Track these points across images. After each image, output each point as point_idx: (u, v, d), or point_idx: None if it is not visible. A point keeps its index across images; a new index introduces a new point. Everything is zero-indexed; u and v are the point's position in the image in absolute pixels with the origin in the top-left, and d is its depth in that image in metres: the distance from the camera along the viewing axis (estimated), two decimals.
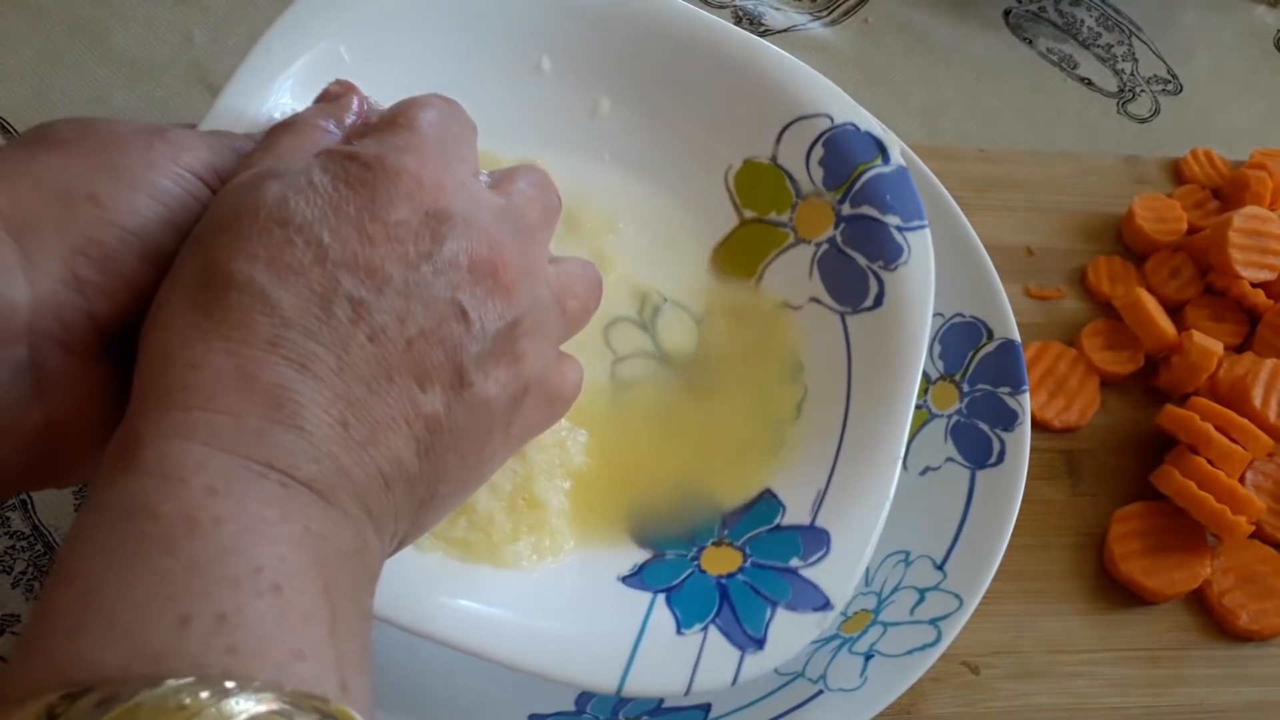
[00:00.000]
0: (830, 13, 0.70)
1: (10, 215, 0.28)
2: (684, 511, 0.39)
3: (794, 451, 0.40)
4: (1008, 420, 0.46)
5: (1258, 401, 0.53)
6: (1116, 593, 0.52)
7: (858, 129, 0.43)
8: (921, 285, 0.41)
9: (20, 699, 0.20)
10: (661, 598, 0.36)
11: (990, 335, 0.48)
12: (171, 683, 0.20)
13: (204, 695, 0.20)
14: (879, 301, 0.41)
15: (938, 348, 0.48)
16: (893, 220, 0.41)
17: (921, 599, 0.43)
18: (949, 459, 0.46)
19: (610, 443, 0.40)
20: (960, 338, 0.48)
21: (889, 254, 0.41)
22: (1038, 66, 0.71)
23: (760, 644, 0.34)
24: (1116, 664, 0.50)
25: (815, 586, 0.35)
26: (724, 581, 0.36)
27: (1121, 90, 0.71)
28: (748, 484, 0.40)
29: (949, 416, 0.47)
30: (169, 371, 0.26)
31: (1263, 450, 0.52)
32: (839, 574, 0.36)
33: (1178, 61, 0.73)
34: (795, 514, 0.38)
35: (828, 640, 0.43)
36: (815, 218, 0.43)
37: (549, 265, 0.33)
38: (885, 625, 0.43)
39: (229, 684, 0.21)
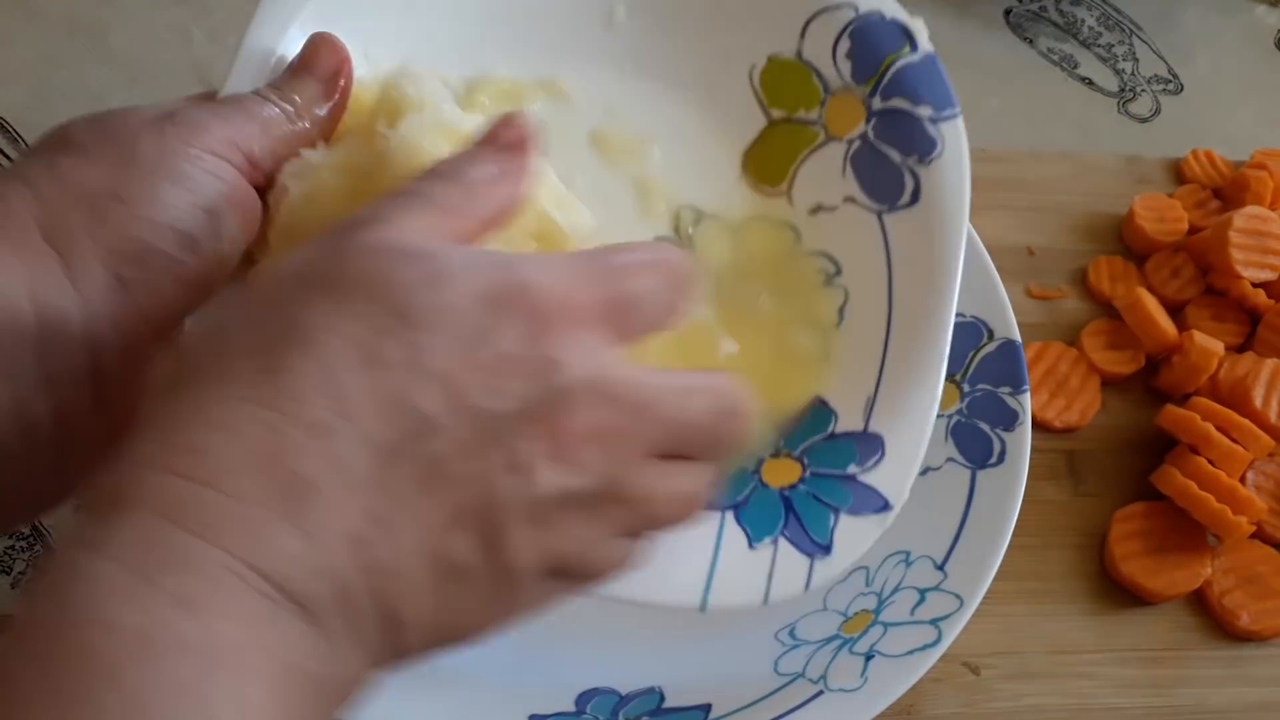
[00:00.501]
0: None
1: (46, 225, 0.28)
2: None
3: (840, 356, 0.40)
4: (1008, 420, 0.46)
5: (1258, 402, 0.53)
6: (1117, 593, 0.52)
7: (884, 17, 0.42)
8: (957, 178, 0.40)
9: None
10: (730, 515, 0.36)
11: (991, 335, 0.48)
12: None
13: None
14: (915, 198, 0.40)
15: None
16: (925, 112, 0.41)
17: (922, 599, 0.43)
18: (949, 459, 0.46)
19: (656, 358, 0.39)
20: (961, 338, 0.48)
21: (923, 147, 0.40)
22: (1038, 66, 0.71)
23: (827, 550, 0.35)
24: (1117, 664, 0.50)
25: (874, 490, 0.36)
26: (787, 493, 0.37)
27: (1122, 90, 0.71)
28: (797, 392, 0.40)
29: (950, 416, 0.47)
30: (190, 424, 0.23)
31: (1263, 450, 0.52)
32: (895, 476, 0.36)
33: (1178, 61, 0.73)
34: (848, 420, 0.39)
35: (828, 640, 0.43)
36: (846, 113, 0.42)
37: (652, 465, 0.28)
38: (886, 625, 0.43)
39: None
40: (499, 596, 0.26)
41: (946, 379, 0.47)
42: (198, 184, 0.29)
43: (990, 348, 0.48)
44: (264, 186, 0.32)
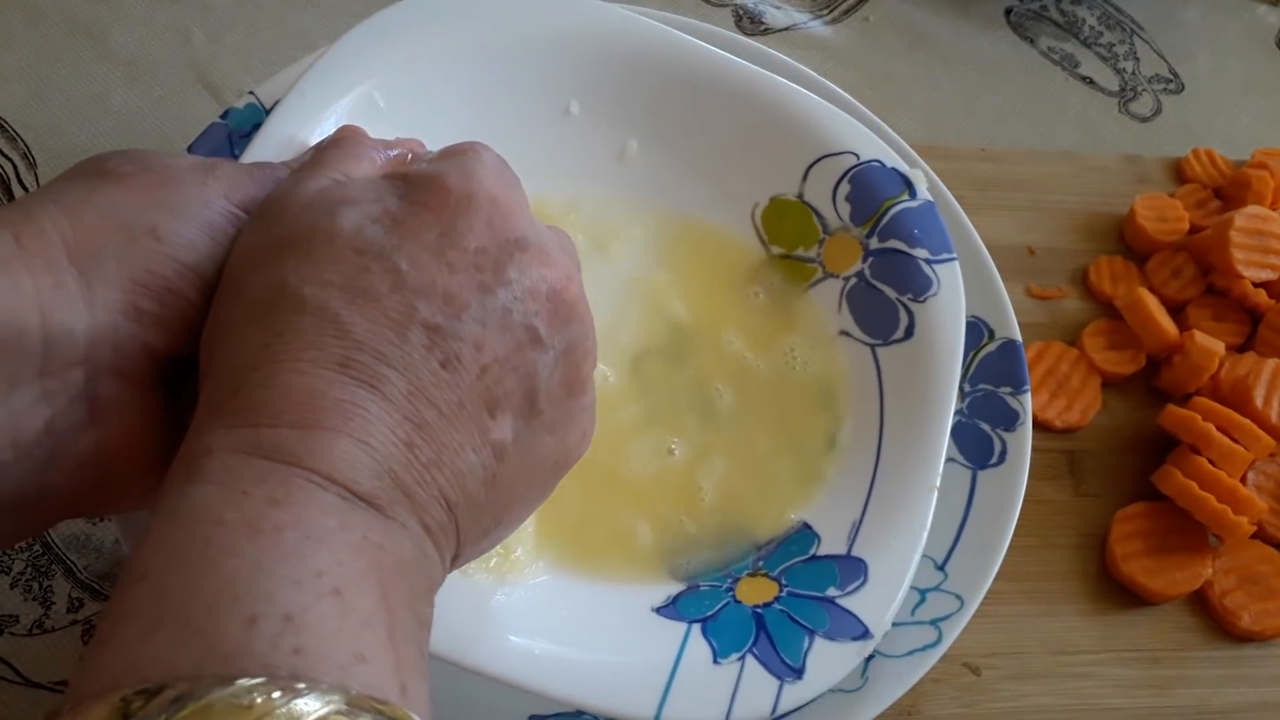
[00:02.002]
0: (831, 11, 0.69)
1: (74, 246, 0.28)
2: (718, 543, 0.40)
3: (828, 483, 0.41)
4: (1009, 420, 0.46)
5: (1259, 402, 0.53)
6: (1118, 593, 0.52)
7: (884, 165, 0.44)
8: (952, 316, 0.41)
9: (97, 694, 0.21)
10: (697, 628, 0.36)
11: (992, 335, 0.47)
12: (243, 682, 0.20)
13: (275, 695, 0.20)
14: (909, 333, 0.42)
15: None
16: (921, 253, 0.42)
17: (922, 600, 0.43)
18: (950, 459, 0.46)
19: (641, 477, 0.40)
20: None
21: (918, 286, 0.42)
22: (1039, 65, 0.71)
23: (799, 673, 0.34)
24: (1118, 665, 0.50)
25: (854, 615, 0.36)
26: (760, 611, 0.36)
27: (1123, 89, 0.71)
28: (782, 515, 0.40)
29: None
30: (239, 392, 0.26)
31: (1264, 450, 0.52)
32: (877, 603, 0.36)
33: (1179, 60, 0.73)
34: (831, 544, 0.38)
35: None
36: (843, 252, 0.44)
37: None
38: None
39: (299, 685, 0.21)
40: (552, 463, 0.30)
41: None
42: (225, 236, 0.31)
43: (991, 348, 0.47)
44: None
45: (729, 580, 0.38)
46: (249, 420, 0.25)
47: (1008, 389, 0.47)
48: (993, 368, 0.47)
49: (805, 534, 0.39)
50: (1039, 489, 0.53)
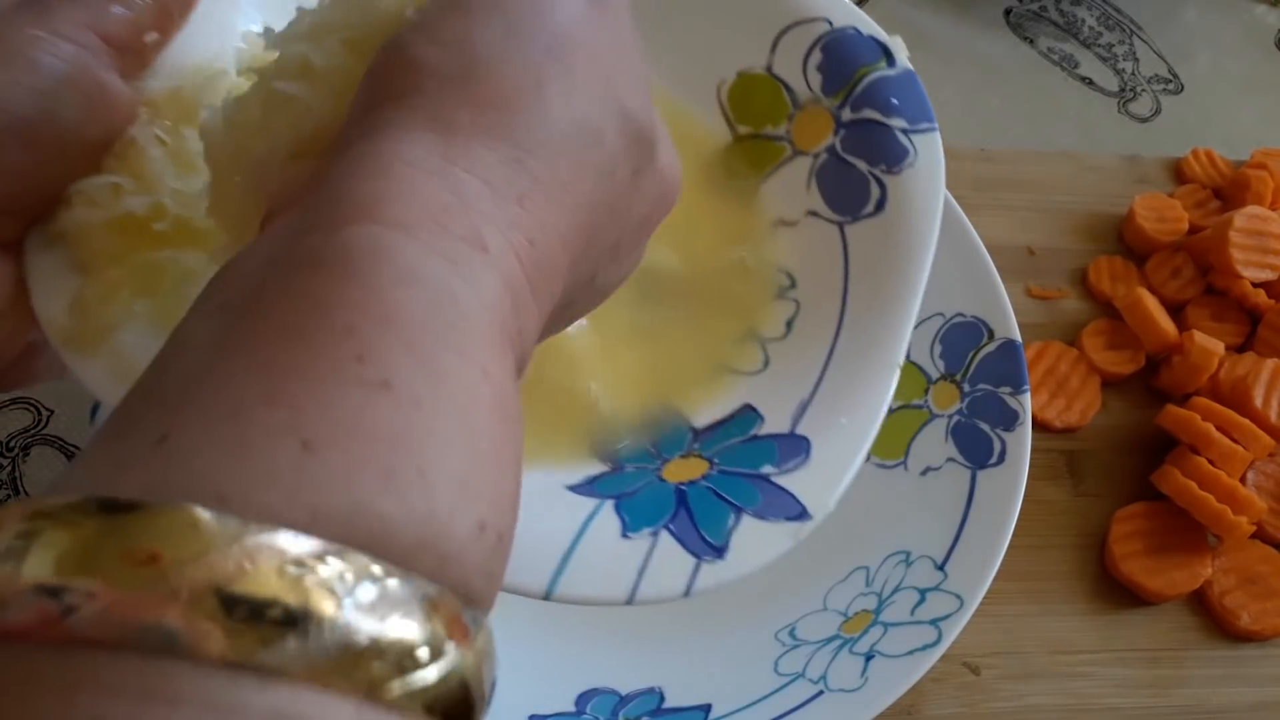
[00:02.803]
0: None
1: None
2: (650, 426, 0.36)
3: (781, 367, 0.37)
4: (1009, 420, 0.46)
5: (1259, 401, 0.53)
6: (1117, 593, 0.52)
7: (859, 33, 0.40)
8: (929, 187, 0.38)
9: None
10: (610, 503, 0.32)
11: (991, 335, 0.48)
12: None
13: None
14: (880, 207, 0.38)
15: (938, 348, 0.48)
16: (898, 123, 0.39)
17: (922, 599, 0.43)
18: (950, 459, 0.46)
19: (581, 357, 0.37)
20: (961, 338, 0.48)
21: (892, 157, 0.38)
22: (1039, 66, 0.71)
23: (720, 552, 0.31)
24: (1117, 664, 0.50)
25: (790, 494, 0.32)
26: (684, 488, 0.33)
27: (1122, 90, 0.71)
28: (726, 400, 0.36)
29: (950, 417, 0.47)
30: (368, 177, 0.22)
31: (1264, 450, 0.52)
32: (819, 484, 0.32)
33: (1179, 61, 0.73)
34: (774, 424, 0.35)
35: (828, 641, 0.43)
36: (813, 126, 0.40)
37: None
38: (886, 626, 0.43)
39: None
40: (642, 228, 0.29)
41: (947, 378, 0.48)
42: (34, 66, 0.28)
43: (990, 348, 0.48)
44: (130, 67, 0.31)
45: (659, 463, 0.34)
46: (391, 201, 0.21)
47: (1007, 389, 0.47)
48: (992, 368, 0.47)
49: (748, 415, 0.36)
50: (1038, 489, 0.53)
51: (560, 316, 0.27)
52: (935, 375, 0.48)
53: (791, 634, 0.44)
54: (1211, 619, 0.52)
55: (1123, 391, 0.57)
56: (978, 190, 0.61)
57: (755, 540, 0.31)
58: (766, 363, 0.37)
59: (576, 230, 0.25)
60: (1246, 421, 0.51)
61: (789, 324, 0.38)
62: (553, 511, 0.32)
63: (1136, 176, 0.64)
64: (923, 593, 0.43)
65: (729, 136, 0.42)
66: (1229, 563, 0.52)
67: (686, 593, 0.30)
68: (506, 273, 0.22)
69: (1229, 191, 0.62)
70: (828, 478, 0.32)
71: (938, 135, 0.39)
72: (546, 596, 0.30)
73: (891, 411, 0.48)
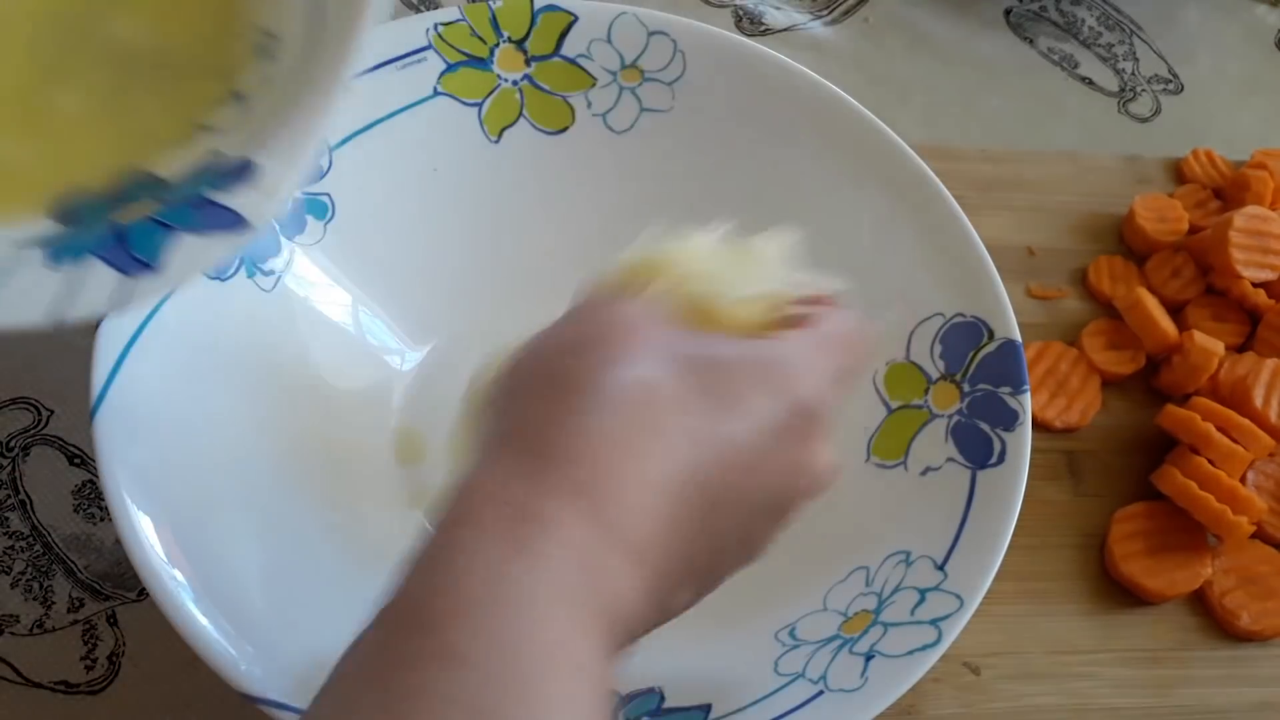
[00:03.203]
0: (830, 12, 0.69)
1: None
2: (117, 185, 0.36)
3: (257, 117, 0.37)
4: (1009, 420, 0.46)
5: (1259, 402, 0.53)
6: (1118, 593, 0.52)
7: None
8: None
9: None
10: (38, 248, 0.33)
11: (991, 335, 0.47)
12: None
13: None
14: None
15: (938, 348, 0.48)
16: None
17: (922, 600, 0.43)
18: (949, 459, 0.46)
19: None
20: (961, 338, 0.48)
21: None
22: (1039, 66, 0.71)
23: (151, 267, 0.32)
24: (1118, 665, 0.50)
25: (229, 210, 0.33)
26: (123, 225, 0.34)
27: (1122, 90, 0.71)
28: (195, 149, 0.36)
29: (949, 417, 0.47)
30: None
31: (1264, 450, 0.52)
32: (259, 196, 0.33)
33: (1179, 61, 0.73)
34: (230, 156, 0.35)
35: (828, 641, 0.43)
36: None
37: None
38: (886, 626, 0.43)
39: None
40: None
41: (947, 379, 0.48)
42: None
43: (990, 348, 0.47)
44: None
45: (115, 211, 0.35)
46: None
47: (1007, 389, 0.47)
48: (992, 368, 0.47)
49: (211, 157, 0.36)
50: (1039, 489, 0.53)
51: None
52: (935, 375, 0.48)
53: (791, 634, 0.44)
54: (1212, 619, 0.52)
55: (1123, 391, 0.57)
56: (977, 190, 0.61)
57: (192, 252, 0.33)
58: (245, 115, 0.37)
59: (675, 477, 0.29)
60: (1246, 421, 0.51)
61: (269, 78, 0.38)
62: None
63: (1136, 177, 0.65)
64: (923, 593, 0.43)
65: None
66: (1229, 563, 0.52)
67: (116, 304, 0.32)
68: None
69: (1229, 192, 0.62)
70: (266, 189, 0.34)
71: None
72: None
73: (891, 411, 0.48)
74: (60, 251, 0.33)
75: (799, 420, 0.32)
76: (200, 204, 0.34)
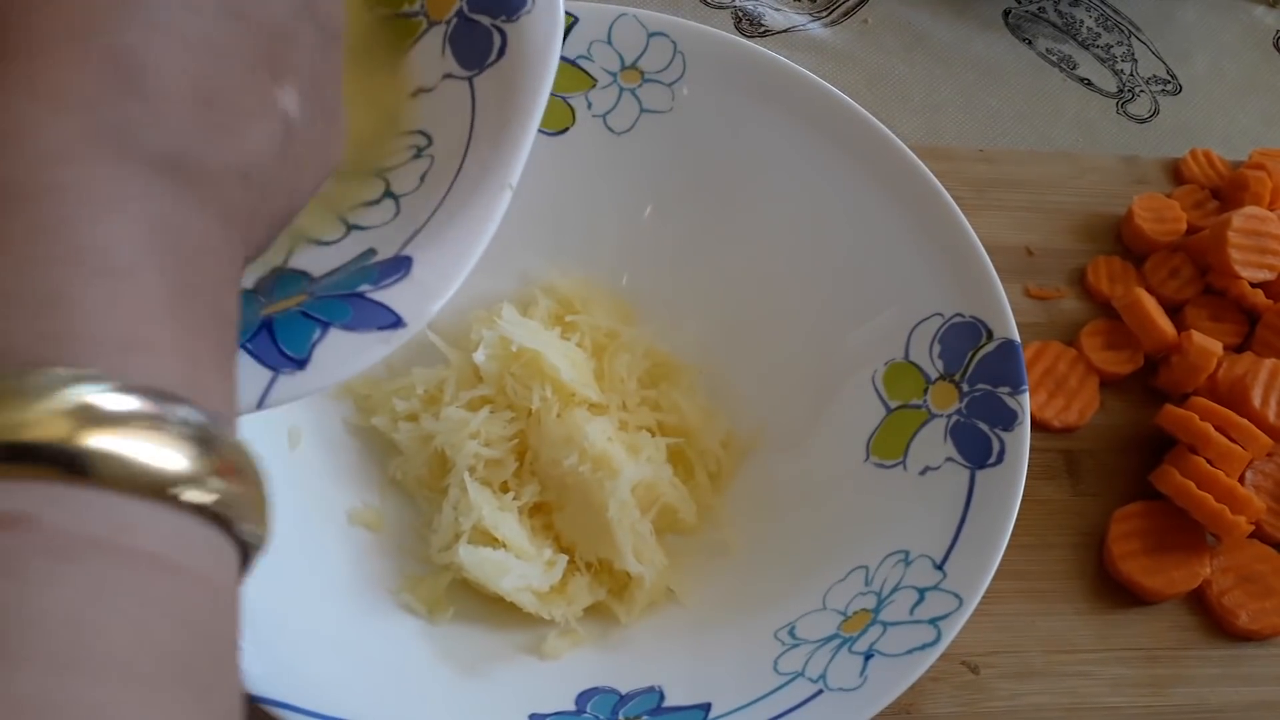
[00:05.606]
0: (830, 13, 0.70)
1: None
2: (267, 281, 0.36)
3: (409, 212, 0.37)
4: (1007, 420, 0.46)
5: (1257, 401, 0.53)
6: (1116, 592, 0.52)
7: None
8: (545, 29, 0.38)
9: None
10: None
11: (990, 335, 0.48)
12: None
13: (33, 380, 0.19)
14: (502, 53, 0.39)
15: (937, 347, 0.48)
16: None
17: (921, 599, 0.43)
18: (948, 459, 0.46)
19: None
20: (960, 338, 0.48)
21: (510, 8, 0.39)
22: (1037, 67, 0.71)
23: (300, 364, 0.31)
24: (1116, 663, 0.50)
25: (384, 306, 0.32)
26: (271, 316, 0.33)
27: (1121, 90, 0.71)
28: (351, 251, 0.36)
29: (948, 416, 0.47)
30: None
31: (1262, 450, 0.52)
32: (417, 294, 0.32)
33: (1177, 62, 0.73)
34: (384, 254, 0.35)
35: (827, 640, 0.43)
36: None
37: None
38: (885, 625, 0.43)
39: (60, 370, 0.19)
40: (331, 148, 0.28)
41: (946, 378, 0.48)
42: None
43: (989, 348, 0.48)
44: None
45: (260, 304, 0.34)
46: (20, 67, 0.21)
47: (1006, 389, 0.47)
48: (991, 368, 0.47)
49: (365, 255, 0.36)
50: (1037, 488, 0.53)
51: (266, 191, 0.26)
52: (934, 375, 0.48)
53: (791, 633, 0.44)
54: (1210, 618, 0.52)
55: (1121, 391, 0.57)
56: (976, 191, 0.61)
57: (341, 350, 0.31)
58: (398, 213, 0.37)
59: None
60: (1245, 421, 0.51)
61: (423, 177, 0.38)
62: None
63: (1135, 177, 0.65)
64: (922, 592, 0.43)
65: (370, 17, 0.41)
66: (1227, 562, 0.52)
67: (260, 403, 0.30)
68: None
69: (1227, 192, 0.63)
70: (428, 289, 0.33)
71: None
72: None
73: (890, 411, 0.48)
74: None
75: None
76: (354, 300, 0.33)
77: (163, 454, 0.19)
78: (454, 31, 0.40)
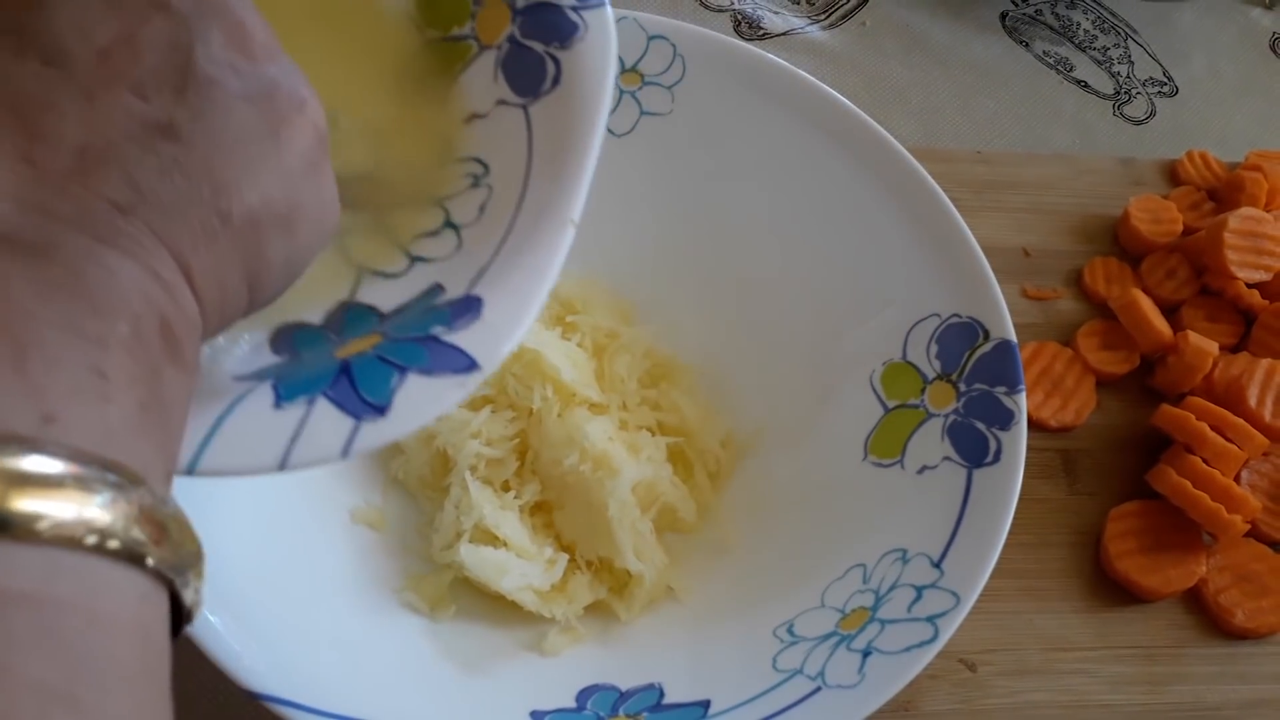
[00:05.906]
0: (828, 16, 0.70)
1: None
2: (335, 317, 0.35)
3: (471, 247, 0.37)
4: (1004, 420, 0.47)
5: (1253, 401, 0.53)
6: (1113, 591, 0.52)
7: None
8: (600, 56, 0.38)
9: None
10: (268, 383, 0.31)
11: (987, 335, 0.48)
12: None
13: None
14: (557, 82, 0.39)
15: (934, 347, 0.48)
16: (568, 0, 0.39)
17: (919, 597, 0.43)
18: (946, 458, 0.46)
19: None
20: (957, 338, 0.48)
21: (563, 34, 0.39)
22: (1034, 69, 0.71)
23: (382, 410, 0.30)
24: (1113, 662, 0.51)
25: (459, 350, 0.32)
26: (349, 360, 0.32)
27: (1117, 92, 0.71)
28: (417, 286, 0.36)
29: (946, 416, 0.47)
30: None
31: (1258, 449, 0.52)
32: (490, 337, 0.32)
33: (1173, 64, 0.73)
34: (453, 293, 0.35)
35: (826, 637, 0.43)
36: (493, 20, 0.41)
37: None
38: (883, 623, 0.43)
39: None
40: (258, 135, 0.26)
41: (943, 378, 0.48)
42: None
43: (986, 348, 0.48)
44: None
45: (334, 344, 0.34)
46: None
47: (1003, 389, 0.47)
48: (988, 368, 0.48)
49: (432, 291, 0.35)
50: (1034, 487, 0.53)
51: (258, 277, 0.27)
52: (931, 375, 0.48)
53: (790, 630, 0.44)
54: (1206, 617, 0.52)
55: (1118, 391, 0.57)
56: (974, 192, 0.62)
57: (420, 395, 0.31)
58: (459, 246, 0.37)
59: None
60: (1241, 421, 0.52)
61: (482, 208, 0.38)
62: (209, 397, 0.31)
63: (1131, 178, 0.65)
64: (919, 590, 0.44)
65: (418, 39, 0.41)
66: (1223, 561, 0.52)
67: (345, 453, 0.30)
68: None
69: (1223, 193, 0.63)
70: (499, 331, 0.32)
71: (607, 8, 0.39)
72: (189, 472, 0.29)
73: (888, 411, 0.49)
74: (289, 389, 0.31)
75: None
76: (430, 344, 0.32)
77: (84, 509, 0.20)
78: (506, 57, 0.40)
